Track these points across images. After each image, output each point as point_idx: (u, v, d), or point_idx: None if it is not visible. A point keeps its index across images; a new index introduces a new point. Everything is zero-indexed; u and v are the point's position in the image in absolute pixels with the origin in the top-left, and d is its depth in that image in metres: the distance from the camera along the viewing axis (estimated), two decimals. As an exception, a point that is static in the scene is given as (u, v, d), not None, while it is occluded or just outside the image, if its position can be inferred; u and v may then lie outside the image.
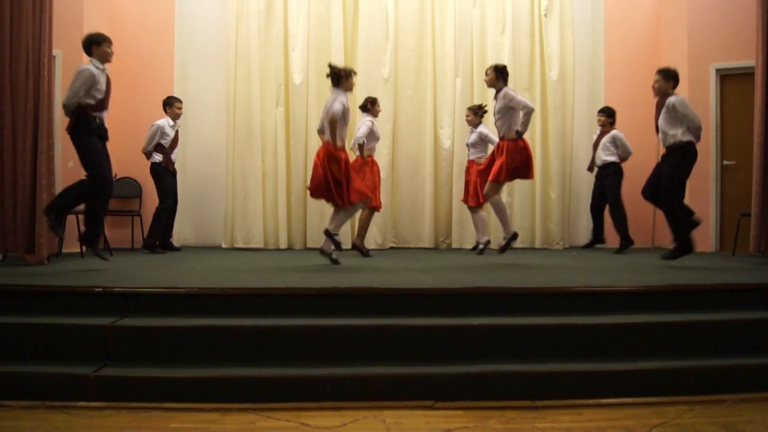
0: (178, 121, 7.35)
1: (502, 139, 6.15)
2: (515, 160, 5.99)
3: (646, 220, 8.39)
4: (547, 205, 8.28)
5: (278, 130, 8.00)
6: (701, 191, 7.60)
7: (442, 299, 4.04)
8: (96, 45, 5.26)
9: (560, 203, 8.26)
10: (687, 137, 5.60)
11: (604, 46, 8.51)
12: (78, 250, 6.73)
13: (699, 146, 7.37)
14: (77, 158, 7.04)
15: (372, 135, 6.93)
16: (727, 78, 7.59)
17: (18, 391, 3.36)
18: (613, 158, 7.57)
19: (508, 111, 6.05)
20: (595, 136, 7.88)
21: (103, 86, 5.21)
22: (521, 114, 6.00)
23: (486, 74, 6.30)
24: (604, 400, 3.40)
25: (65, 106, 5.14)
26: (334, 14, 8.06)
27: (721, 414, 3.22)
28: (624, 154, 7.60)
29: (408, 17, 8.24)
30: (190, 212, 8.33)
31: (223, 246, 8.00)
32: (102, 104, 5.24)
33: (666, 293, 4.20)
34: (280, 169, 7.99)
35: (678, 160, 5.62)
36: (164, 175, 7.16)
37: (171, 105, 7.30)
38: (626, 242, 7.46)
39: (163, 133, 7.18)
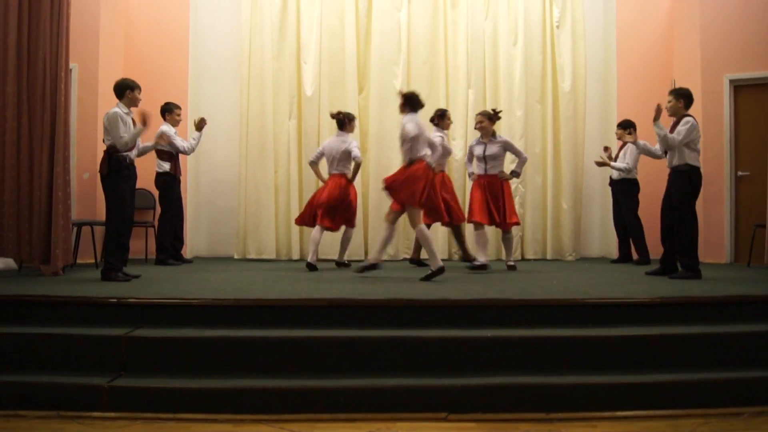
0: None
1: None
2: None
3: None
4: (559, 216, 8.26)
5: (291, 142, 8.05)
6: (716, 202, 7.55)
7: (455, 311, 4.03)
8: (130, 90, 5.59)
9: (572, 214, 8.23)
10: (696, 162, 5.63)
11: (616, 57, 8.50)
12: (93, 260, 6.78)
13: (713, 157, 7.35)
14: (92, 170, 7.20)
15: (444, 150, 6.68)
16: (740, 88, 7.55)
17: (33, 401, 3.39)
18: (629, 174, 7.43)
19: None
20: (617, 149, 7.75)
21: (130, 128, 5.50)
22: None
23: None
24: (618, 413, 3.37)
25: (123, 147, 5.36)
26: (347, 26, 8.11)
27: (737, 427, 3.19)
28: (629, 166, 7.36)
29: (420, 29, 8.27)
30: (203, 223, 8.38)
31: (236, 257, 8.04)
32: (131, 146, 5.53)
33: (681, 305, 4.17)
34: (292, 181, 8.03)
35: (684, 184, 5.62)
36: (172, 185, 7.10)
37: (171, 111, 7.13)
38: (647, 255, 7.29)
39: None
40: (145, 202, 7.76)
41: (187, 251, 7.82)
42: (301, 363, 3.63)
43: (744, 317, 4.14)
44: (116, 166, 5.36)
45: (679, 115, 5.71)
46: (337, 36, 8.14)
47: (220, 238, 8.39)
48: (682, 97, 5.72)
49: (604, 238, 8.53)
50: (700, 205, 7.50)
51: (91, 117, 7.24)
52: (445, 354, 3.67)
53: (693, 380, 3.53)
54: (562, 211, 8.24)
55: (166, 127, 6.99)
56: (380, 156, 8.07)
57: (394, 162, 7.86)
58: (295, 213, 7.99)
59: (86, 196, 7.31)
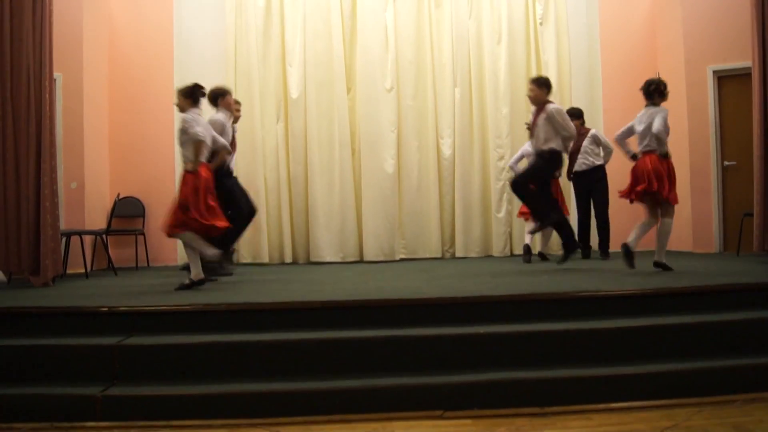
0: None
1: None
2: None
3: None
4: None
5: (279, 145, 8.05)
6: (703, 192, 7.60)
7: (447, 308, 4.03)
8: (221, 97, 5.76)
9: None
10: (559, 147, 5.96)
11: (600, 52, 8.55)
12: (82, 270, 6.74)
13: (699, 148, 7.42)
14: (79, 179, 7.17)
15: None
16: (724, 79, 7.61)
17: (26, 413, 3.36)
18: (600, 161, 7.12)
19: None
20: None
21: (230, 132, 5.70)
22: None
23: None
24: (613, 405, 3.38)
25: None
26: (333, 27, 8.11)
27: (731, 415, 3.21)
28: (606, 155, 7.11)
29: (406, 29, 8.28)
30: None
31: (229, 262, 8.01)
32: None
33: (672, 295, 4.19)
34: (282, 184, 8.02)
35: (542, 164, 6.01)
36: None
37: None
38: (608, 251, 7.08)
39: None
40: (133, 210, 7.73)
41: (178, 258, 7.78)
42: (295, 365, 3.62)
43: (735, 306, 4.16)
44: (219, 169, 5.49)
45: (541, 102, 5.96)
46: (322, 37, 8.14)
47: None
48: (545, 86, 5.98)
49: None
50: (687, 195, 7.58)
51: (77, 126, 7.20)
52: (439, 352, 3.67)
53: (686, 370, 3.55)
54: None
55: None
56: (370, 156, 8.07)
57: (387, 160, 7.93)
58: (287, 216, 7.98)
59: (74, 205, 7.27)
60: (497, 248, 8.16)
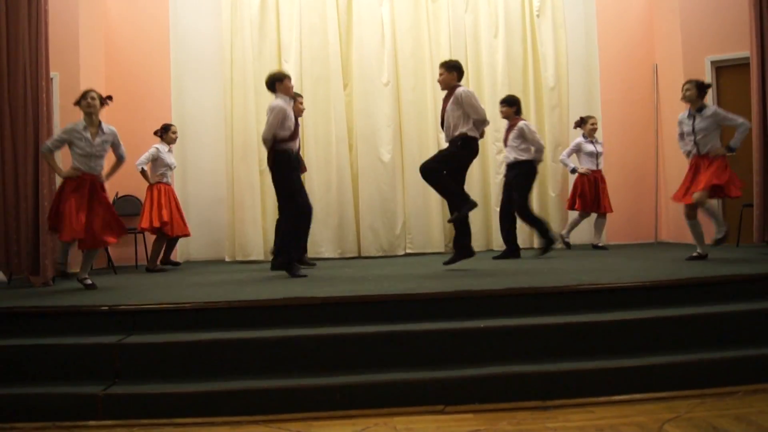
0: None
1: None
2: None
3: (649, 215, 8.38)
4: (546, 204, 8.29)
5: (276, 142, 8.03)
6: (702, 184, 7.58)
7: (447, 303, 4.03)
8: (279, 81, 5.69)
9: (559, 202, 8.27)
10: (472, 133, 5.59)
11: (598, 44, 8.54)
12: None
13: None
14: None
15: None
16: (722, 69, 7.59)
17: (28, 412, 3.36)
18: (524, 156, 6.67)
19: None
20: (504, 131, 7.09)
21: (292, 117, 5.64)
22: None
23: None
24: (615, 397, 3.38)
25: (264, 140, 5.62)
26: (330, 22, 8.10)
27: (732, 406, 3.21)
28: (535, 151, 6.67)
29: (404, 23, 8.27)
30: (193, 226, 8.34)
31: (227, 259, 8.01)
32: (294, 135, 5.69)
33: (672, 287, 4.19)
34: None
35: (455, 150, 5.59)
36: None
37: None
38: (549, 243, 6.79)
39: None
40: (131, 209, 7.72)
41: (178, 255, 7.78)
42: (296, 362, 3.62)
43: (735, 296, 4.16)
44: (284, 158, 5.55)
45: (450, 86, 5.76)
46: (318, 33, 8.12)
47: (211, 240, 8.36)
48: (455, 69, 5.80)
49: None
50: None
51: (74, 125, 7.18)
52: (440, 347, 3.67)
53: (687, 361, 3.54)
54: (549, 199, 8.28)
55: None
56: (367, 151, 8.06)
57: (384, 155, 7.91)
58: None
59: (73, 205, 7.25)
60: (497, 242, 8.14)
